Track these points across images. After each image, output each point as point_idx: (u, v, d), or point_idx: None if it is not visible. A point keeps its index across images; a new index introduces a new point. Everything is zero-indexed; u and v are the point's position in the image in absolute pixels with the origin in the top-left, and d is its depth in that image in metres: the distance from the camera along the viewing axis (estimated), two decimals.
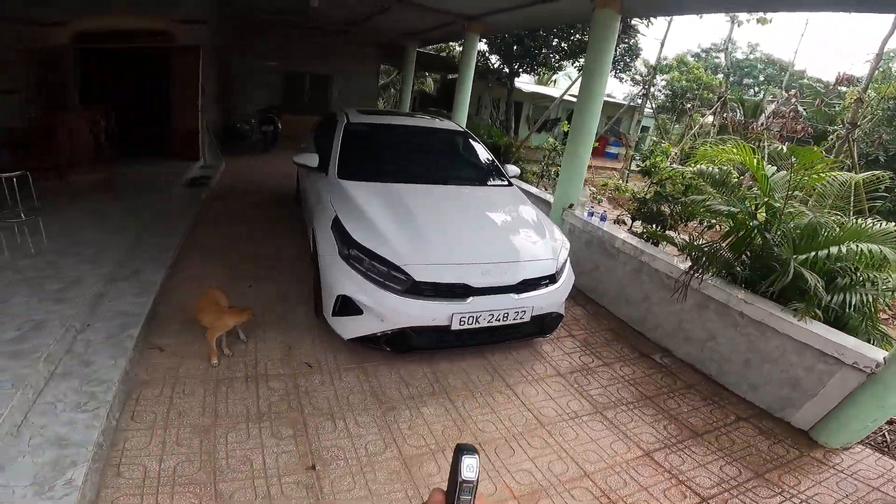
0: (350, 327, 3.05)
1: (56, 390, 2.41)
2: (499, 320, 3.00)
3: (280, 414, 2.60)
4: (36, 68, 6.36)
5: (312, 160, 4.04)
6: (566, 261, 3.49)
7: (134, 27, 7.03)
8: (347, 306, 2.98)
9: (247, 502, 2.06)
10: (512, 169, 4.62)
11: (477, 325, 2.95)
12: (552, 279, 3.24)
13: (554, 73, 19.41)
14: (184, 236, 4.67)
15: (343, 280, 2.97)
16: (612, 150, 19.37)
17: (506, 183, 4.36)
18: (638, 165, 5.38)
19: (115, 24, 6.92)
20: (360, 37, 12.05)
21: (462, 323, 2.90)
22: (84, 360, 2.66)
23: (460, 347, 3.28)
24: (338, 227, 3.13)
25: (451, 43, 16.34)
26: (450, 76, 19.96)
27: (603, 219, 4.82)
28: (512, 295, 3.03)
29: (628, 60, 15.76)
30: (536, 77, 21.56)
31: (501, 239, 3.36)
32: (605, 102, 17.17)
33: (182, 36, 7.29)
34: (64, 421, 2.21)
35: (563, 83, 22.47)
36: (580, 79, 4.93)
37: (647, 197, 5.30)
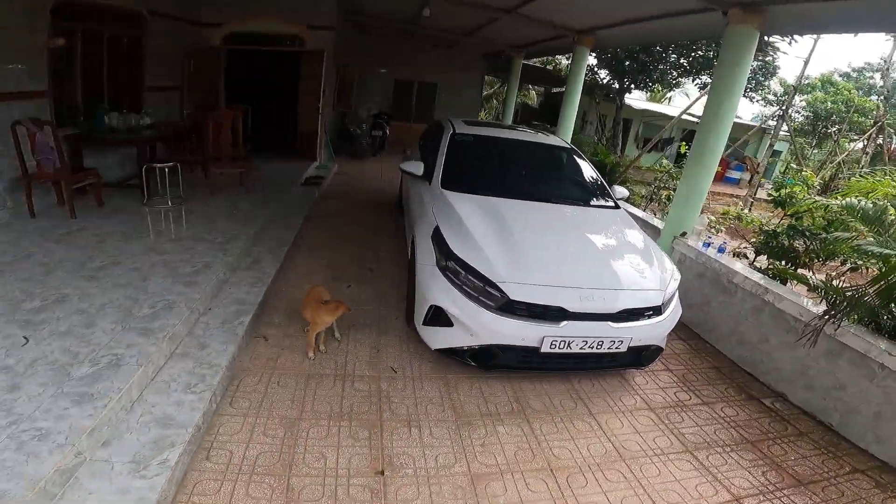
0: (438, 338, 3.05)
1: (173, 370, 2.66)
2: (592, 348, 2.85)
3: (360, 415, 2.66)
4: (193, 68, 7.36)
5: (417, 168, 4.14)
6: (675, 293, 3.22)
7: (273, 31, 7.83)
8: (438, 317, 2.98)
9: (314, 500, 2.11)
10: (620, 191, 4.35)
11: (568, 351, 2.83)
12: (657, 311, 3.01)
13: (669, 91, 18.18)
14: (297, 232, 5.03)
15: (437, 290, 2.97)
16: (734, 174, 17.60)
17: (612, 205, 4.12)
18: (770, 194, 4.77)
19: (258, 27, 7.78)
20: (468, 47, 12.30)
21: (552, 346, 2.79)
22: (201, 343, 2.93)
23: (546, 371, 3.16)
24: (437, 238, 3.15)
25: (557, 56, 16.07)
26: (554, 90, 19.64)
27: (721, 251, 4.36)
28: (610, 323, 2.85)
29: (762, 79, 14.24)
30: (648, 94, 20.38)
31: (603, 264, 3.18)
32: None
33: (310, 41, 7.95)
34: (174, 401, 2.41)
35: (679, 101, 20.99)
36: (707, 97, 4.50)
37: (779, 230, 4.67)
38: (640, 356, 3.11)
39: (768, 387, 3.52)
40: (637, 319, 2.94)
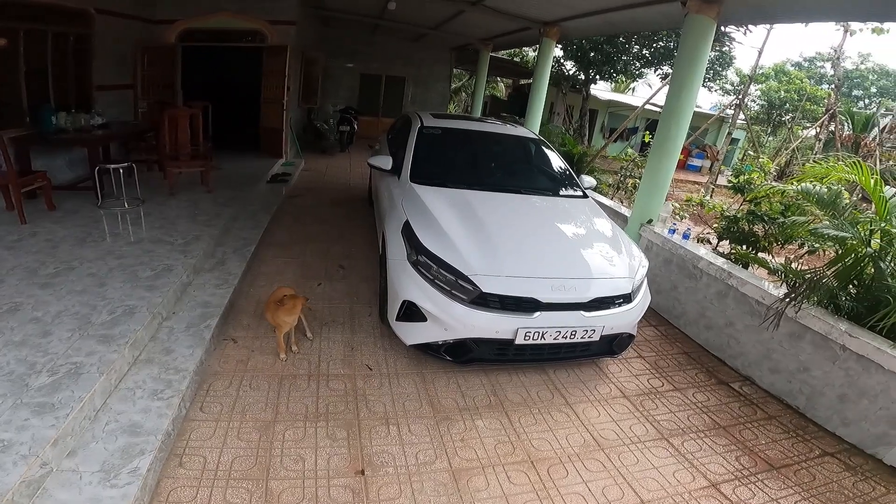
0: (412, 333, 3.03)
1: (137, 377, 2.56)
2: (566, 338, 2.88)
3: (337, 415, 2.62)
4: (146, 65, 7.05)
5: (386, 162, 4.09)
6: (643, 280, 3.29)
7: (232, 27, 7.59)
8: (412, 312, 2.96)
9: (294, 503, 2.07)
10: (587, 180, 4.41)
11: (542, 342, 2.85)
12: (627, 299, 3.06)
13: (633, 81, 18.56)
14: (263, 230, 4.90)
15: (409, 286, 2.94)
16: (696, 162, 18.17)
17: (580, 194, 4.17)
18: (729, 181, 4.92)
19: (216, 24, 7.52)
20: (435, 41, 12.23)
21: (527, 338, 2.81)
22: (166, 348, 2.83)
23: (522, 362, 3.18)
24: (408, 232, 3.12)
25: (524, 48, 16.16)
26: (522, 81, 19.77)
27: (686, 237, 4.48)
28: (582, 312, 2.89)
29: (719, 69, 14.68)
30: (613, 84, 20.75)
31: (574, 253, 3.21)
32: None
33: (273, 36, 7.74)
34: (140, 408, 2.33)
35: (642, 91, 21.46)
36: (668, 87, 4.60)
37: (739, 216, 4.84)
38: (612, 344, 3.16)
39: (736, 371, 3.62)
40: (608, 308, 2.98)
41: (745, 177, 4.98)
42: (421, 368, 3.13)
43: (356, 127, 10.92)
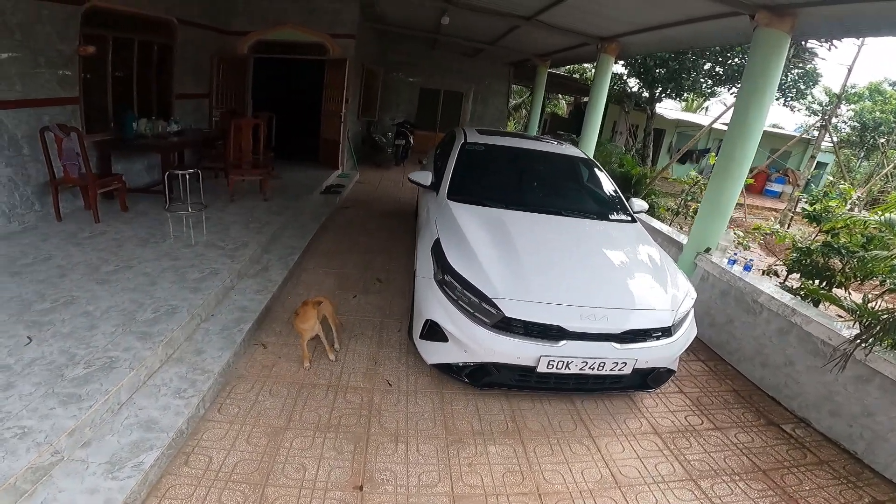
0: (433, 352, 2.98)
1: (166, 374, 2.68)
2: (592, 369, 2.71)
3: (348, 428, 2.61)
4: (221, 75, 7.59)
5: (425, 178, 4.10)
6: (688, 313, 3.04)
7: (297, 39, 8.01)
8: (434, 331, 2.91)
9: None
10: (638, 203, 4.17)
11: (567, 371, 2.69)
12: (667, 332, 2.84)
13: (705, 100, 17.58)
14: (309, 240, 5.07)
15: (433, 304, 2.90)
16: (775, 187, 16.78)
17: (628, 219, 3.95)
18: (803, 209, 4.45)
19: (282, 36, 7.98)
20: (493, 56, 12.26)
21: (550, 366, 2.67)
22: (198, 349, 2.95)
23: (546, 391, 3.03)
24: (437, 250, 3.08)
25: (584, 64, 15.82)
26: (583, 99, 19.35)
27: (747, 268, 4.10)
28: (613, 344, 2.71)
29: (803, 87, 13.54)
30: (684, 103, 19.78)
31: (610, 280, 3.03)
32: (769, 134, 15.04)
33: (334, 49, 8.09)
34: (161, 405, 2.43)
35: (716, 110, 20.29)
36: (734, 106, 4.27)
37: (812, 247, 4.37)
38: (647, 379, 2.95)
39: (791, 412, 3.32)
40: (644, 341, 2.78)
41: (822, 205, 4.49)
42: (441, 388, 3.07)
43: (412, 141, 11.13)
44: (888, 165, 11.71)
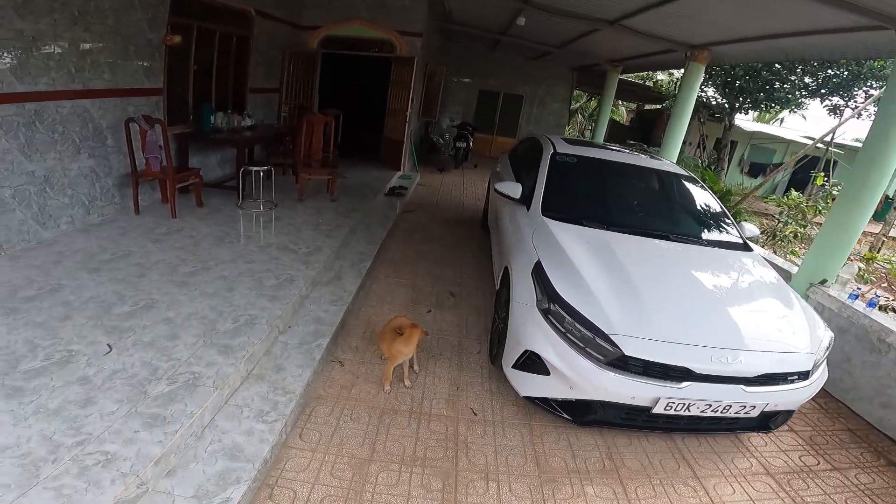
0: (529, 385, 2.70)
1: (247, 393, 2.51)
2: (715, 412, 2.42)
3: (434, 462, 2.40)
4: (292, 70, 7.55)
5: (514, 190, 3.78)
6: (825, 355, 2.69)
7: (366, 35, 7.89)
8: (533, 363, 2.63)
9: None
10: (749, 228, 3.73)
11: (686, 413, 2.41)
12: (804, 375, 2.52)
13: (783, 111, 16.36)
14: (379, 246, 4.88)
15: (535, 335, 2.61)
16: None
17: (742, 246, 3.53)
18: None
19: (351, 31, 7.86)
20: (557, 59, 11.78)
21: (668, 408, 2.38)
22: (277, 365, 2.78)
23: (651, 430, 2.73)
24: (540, 275, 2.77)
25: (658, 72, 15.05)
26: (647, 106, 18.49)
27: (872, 304, 3.62)
28: (742, 387, 2.39)
29: None
30: (756, 114, 18.53)
31: (742, 318, 2.67)
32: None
33: (402, 47, 7.91)
34: (244, 429, 2.25)
35: (791, 122, 18.94)
36: (871, 125, 3.76)
37: None
38: (770, 420, 2.64)
39: None
40: (778, 384, 2.45)
41: None
42: (529, 419, 2.82)
43: (472, 144, 10.85)
44: None
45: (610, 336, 2.39)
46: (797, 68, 11.38)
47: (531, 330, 2.64)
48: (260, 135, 5.94)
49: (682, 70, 7.35)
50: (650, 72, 15.03)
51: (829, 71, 11.20)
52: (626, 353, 2.36)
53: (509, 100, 13.36)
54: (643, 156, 4.60)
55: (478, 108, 13.31)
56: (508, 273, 3.16)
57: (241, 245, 4.05)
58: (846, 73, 10.98)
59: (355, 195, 6.28)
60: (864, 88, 11.33)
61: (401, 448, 2.45)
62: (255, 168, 4.92)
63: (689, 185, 4.05)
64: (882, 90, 9.65)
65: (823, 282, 3.84)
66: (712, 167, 13.05)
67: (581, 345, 2.44)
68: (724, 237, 3.59)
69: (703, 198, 3.96)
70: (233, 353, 2.61)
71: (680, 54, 7.18)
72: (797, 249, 6.95)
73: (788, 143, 15.92)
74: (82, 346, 2.47)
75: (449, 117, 12.58)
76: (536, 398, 2.68)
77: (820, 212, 7.15)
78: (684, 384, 2.36)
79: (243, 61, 6.33)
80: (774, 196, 9.67)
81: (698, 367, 2.35)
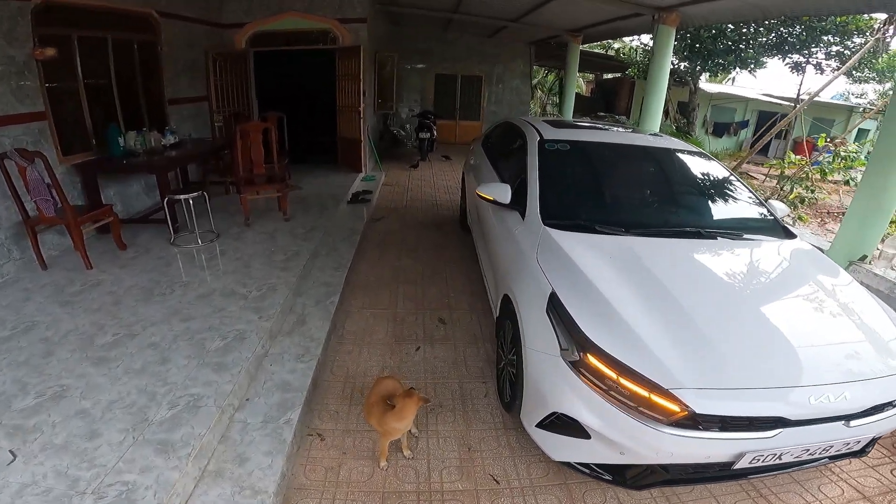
0: (564, 449, 2.10)
1: (206, 498, 1.93)
2: (813, 455, 1.93)
3: None
4: (219, 74, 6.62)
5: (503, 193, 3.11)
6: None
7: (302, 28, 7.08)
8: (565, 425, 2.03)
9: None
10: (780, 207, 3.18)
11: (778, 462, 1.91)
12: None
13: (738, 71, 16.31)
14: (347, 271, 4.16)
15: (565, 393, 1.98)
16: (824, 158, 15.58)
17: (784, 232, 2.94)
18: None
19: (285, 25, 7.04)
20: (515, 34, 11.13)
21: (755, 461, 1.87)
22: (238, 455, 2.14)
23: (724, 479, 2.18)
24: (559, 312, 2.12)
25: (613, 41, 14.63)
26: (606, 76, 18.14)
27: None
28: (842, 423, 1.86)
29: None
30: (709, 76, 18.51)
31: (828, 341, 2.09)
32: (818, 104, 13.79)
33: (344, 36, 7.14)
34: None
35: (743, 82, 19.03)
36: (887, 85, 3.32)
37: None
38: (867, 445, 2.12)
39: None
40: (882, 412, 1.92)
41: None
42: (566, 478, 2.28)
43: (436, 133, 10.11)
44: None
45: (672, 392, 1.80)
46: (752, 28, 11.09)
47: (559, 387, 2.01)
48: (189, 152, 5.03)
49: (639, 38, 6.89)
50: (608, 41, 14.56)
51: (785, 29, 10.93)
52: (698, 412, 1.78)
53: (468, 82, 12.64)
54: (641, 134, 4.01)
55: (436, 93, 12.54)
56: (510, 301, 2.53)
57: (176, 296, 3.27)
58: (803, 29, 10.71)
59: (314, 209, 5.50)
60: (823, 45, 11.19)
61: None
62: (183, 196, 4.07)
63: (701, 163, 3.44)
64: (868, 44, 9.48)
65: (864, 258, 3.40)
66: (688, 132, 12.77)
67: (633, 405, 1.85)
68: (761, 224, 2.98)
69: (722, 176, 3.35)
70: (174, 452, 1.96)
71: (647, 17, 6.66)
72: (804, 215, 6.57)
73: (748, 101, 15.92)
74: None
75: (408, 107, 11.79)
76: (576, 463, 2.10)
77: (825, 174, 6.76)
78: (774, 433, 1.81)
79: (154, 70, 5.39)
80: (774, 160, 9.33)
81: (794, 414, 1.81)
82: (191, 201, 3.87)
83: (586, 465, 2.08)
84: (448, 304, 3.89)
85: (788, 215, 3.29)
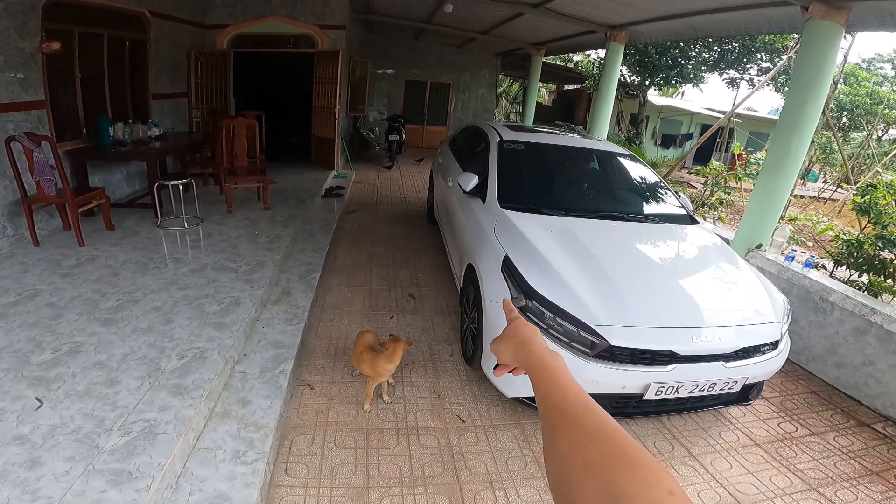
0: (516, 386, 2.60)
1: (216, 434, 2.25)
2: (702, 391, 2.47)
3: (435, 479, 2.27)
4: (200, 72, 6.88)
5: (468, 181, 3.64)
6: (787, 322, 2.81)
7: (282, 32, 7.40)
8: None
9: None
10: (686, 201, 3.89)
11: (676, 396, 2.45)
12: (774, 345, 2.62)
13: (683, 86, 17.66)
14: (325, 253, 4.56)
15: None
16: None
17: (689, 220, 3.66)
18: (854, 200, 4.28)
19: (266, 28, 7.34)
20: (482, 45, 11.80)
21: (659, 393, 2.40)
22: (242, 399, 2.49)
23: (642, 416, 2.77)
24: (510, 270, 2.67)
25: (569, 53, 15.56)
26: (566, 87, 19.15)
27: (808, 265, 3.92)
28: (722, 363, 2.44)
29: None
30: (659, 91, 19.89)
31: (710, 296, 2.73)
32: (752, 118, 15.09)
33: (323, 41, 7.51)
34: (224, 474, 2.00)
35: (691, 96, 20.49)
36: (786, 99, 4.06)
37: (863, 239, 4.22)
38: (749, 392, 2.74)
39: (875, 411, 3.22)
40: (753, 356, 2.53)
41: (871, 197, 4.35)
42: (519, 419, 2.75)
43: (404, 136, 10.59)
44: (870, 147, 11.96)
45: (594, 328, 2.34)
46: (698, 45, 12.29)
47: None
48: (171, 145, 5.30)
49: (598, 52, 7.62)
50: (569, 54, 15.50)
51: (725, 46, 12.18)
52: (613, 344, 2.32)
53: (436, 88, 13.21)
54: (584, 138, 4.66)
55: (405, 99, 13.03)
56: (473, 270, 3.04)
57: (171, 269, 3.59)
58: (740, 48, 11.98)
59: (291, 201, 5.86)
60: (756, 62, 12.47)
61: (396, 469, 2.30)
62: (172, 182, 4.37)
63: (631, 164, 4.14)
64: (780, 63, 10.64)
65: (759, 246, 4.11)
66: (636, 142, 13.79)
67: (565, 340, 2.38)
68: (672, 212, 3.69)
69: (646, 175, 4.07)
70: (188, 394, 2.29)
71: (600, 35, 7.40)
72: (723, 215, 7.48)
73: (693, 114, 17.25)
74: (7, 403, 2.10)
75: (377, 110, 12.21)
76: (524, 398, 2.61)
77: (739, 179, 7.74)
78: (671, 367, 2.36)
79: (141, 66, 5.64)
80: (698, 167, 10.35)
81: (682, 350, 2.36)
82: (180, 187, 4.16)
83: (532, 399, 2.59)
84: (417, 283, 4.37)
85: (705, 215, 4.01)
